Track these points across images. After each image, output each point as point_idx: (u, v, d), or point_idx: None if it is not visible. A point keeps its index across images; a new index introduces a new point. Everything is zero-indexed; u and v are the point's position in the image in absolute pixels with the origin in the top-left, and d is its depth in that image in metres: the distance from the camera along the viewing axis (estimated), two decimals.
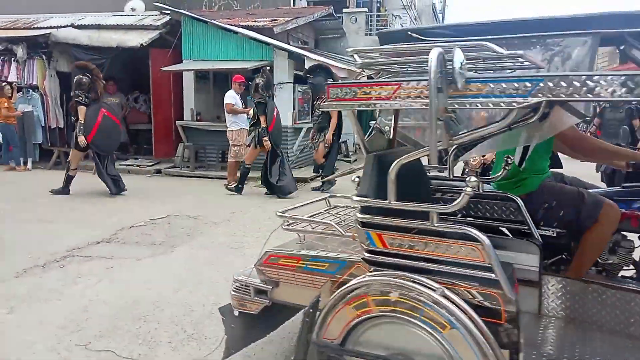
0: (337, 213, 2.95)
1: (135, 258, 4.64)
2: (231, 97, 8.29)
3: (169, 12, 10.43)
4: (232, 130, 8.31)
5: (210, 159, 10.07)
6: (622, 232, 2.61)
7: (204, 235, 5.43)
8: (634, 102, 8.50)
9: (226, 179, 8.50)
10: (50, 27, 10.46)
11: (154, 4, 10.89)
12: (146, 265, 4.48)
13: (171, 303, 3.63)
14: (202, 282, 4.06)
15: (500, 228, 2.58)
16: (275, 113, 7.72)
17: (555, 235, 2.57)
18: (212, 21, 10.12)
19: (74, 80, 7.40)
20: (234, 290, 2.73)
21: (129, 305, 3.59)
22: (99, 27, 10.46)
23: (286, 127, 9.68)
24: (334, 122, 8.08)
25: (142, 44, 9.53)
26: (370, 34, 17.26)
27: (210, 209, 6.75)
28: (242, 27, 10.73)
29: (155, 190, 8.14)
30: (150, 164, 10.14)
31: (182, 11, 10.13)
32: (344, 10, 17.15)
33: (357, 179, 2.29)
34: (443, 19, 32.12)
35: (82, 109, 7.21)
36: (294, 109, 10.14)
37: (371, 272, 2.11)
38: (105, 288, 3.93)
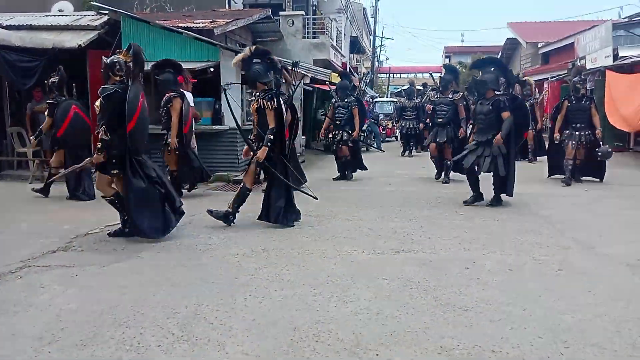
0: None
1: (99, 265, 4.43)
2: (192, 99, 8.14)
3: (107, 12, 10.01)
4: None
5: (157, 163, 9.73)
6: None
7: (167, 239, 5.26)
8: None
9: None
10: None
11: (91, 3, 10.41)
12: (113, 271, 4.29)
13: (151, 306, 3.50)
14: (177, 283, 3.95)
15: None
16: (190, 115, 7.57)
17: None
18: (155, 21, 9.82)
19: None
20: None
21: (106, 312, 3.43)
22: (30, 27, 9.84)
23: (235, 128, 9.61)
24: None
25: (80, 45, 9.08)
26: (307, 37, 17.40)
27: None
28: (182, 28, 10.50)
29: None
30: (93, 169, 9.65)
31: (122, 11, 9.76)
32: (281, 13, 17.19)
33: None
34: (375, 22, 32.83)
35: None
36: (242, 110, 10.03)
37: None
38: (74, 296, 3.73)
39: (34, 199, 7.48)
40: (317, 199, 6.12)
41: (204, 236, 5.35)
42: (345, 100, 9.50)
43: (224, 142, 9.60)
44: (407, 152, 14.48)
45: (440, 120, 9.09)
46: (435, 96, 9.71)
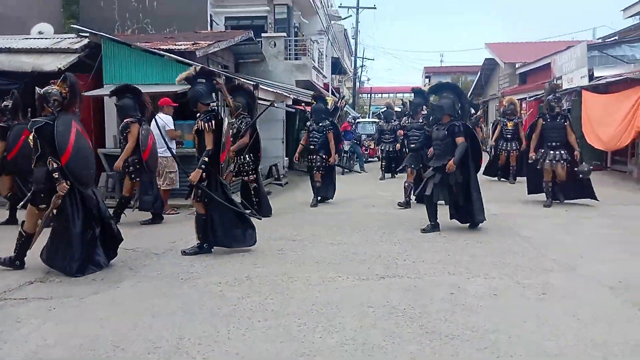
0: None
1: (78, 297, 4.32)
2: (171, 122, 8.11)
3: (87, 35, 9.96)
4: (167, 157, 8.10)
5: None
6: None
7: (147, 268, 5.17)
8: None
9: None
10: None
11: (72, 26, 10.36)
12: (92, 303, 4.19)
13: (131, 340, 3.41)
14: (158, 315, 3.86)
15: None
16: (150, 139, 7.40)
17: None
18: (136, 44, 9.80)
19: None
20: None
21: (85, 346, 3.33)
22: (9, 50, 9.73)
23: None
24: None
25: (60, 68, 9.00)
26: (289, 58, 17.54)
27: (147, 240, 6.46)
28: (164, 50, 10.50)
29: None
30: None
31: (103, 34, 9.72)
32: (263, 34, 17.32)
33: None
34: (356, 43, 33.23)
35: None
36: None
37: None
38: (52, 330, 3.62)
39: (7, 227, 7.27)
40: (260, 219, 6.53)
41: (185, 264, 5.27)
42: (320, 124, 9.14)
43: None
44: (389, 174, 13.85)
45: (412, 145, 8.83)
46: (407, 121, 9.66)
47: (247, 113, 8.03)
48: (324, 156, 9.09)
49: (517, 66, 24.54)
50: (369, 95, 47.64)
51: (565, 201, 8.77)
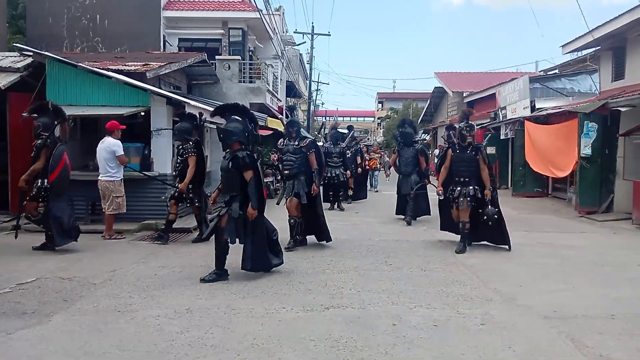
0: None
1: (5, 332, 4.07)
2: (120, 146, 7.93)
3: (30, 53, 9.64)
4: (114, 181, 7.90)
5: (79, 212, 9.25)
6: None
7: (83, 299, 4.96)
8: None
9: (101, 232, 8.09)
10: None
11: (14, 45, 10.00)
12: (20, 339, 3.95)
13: None
14: (90, 353, 3.69)
15: None
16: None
17: None
18: (82, 65, 9.55)
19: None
20: None
21: None
22: None
23: (166, 174, 9.40)
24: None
25: (0, 88, 8.64)
26: (244, 81, 17.52)
27: (85, 268, 6.21)
28: (113, 71, 10.29)
29: (16, 249, 7.22)
30: (7, 219, 9.05)
31: (47, 53, 9.43)
32: (217, 57, 17.26)
33: None
34: (311, 68, 33.61)
35: None
36: (173, 155, 9.82)
37: None
38: None
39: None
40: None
41: (124, 295, 5.08)
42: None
43: (152, 189, 9.29)
44: (335, 205, 12.52)
45: (287, 172, 7.60)
46: (283, 143, 8.06)
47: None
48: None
49: (464, 95, 25.44)
50: (324, 118, 48.14)
51: (479, 243, 7.77)
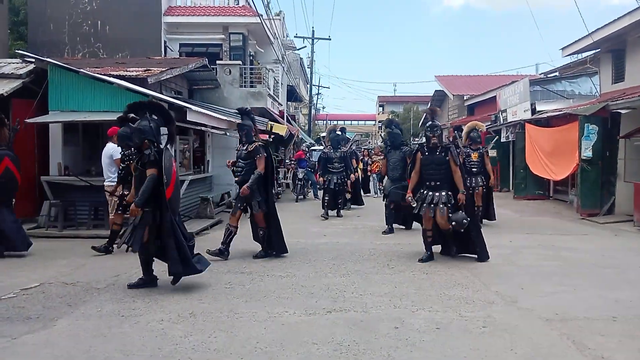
0: None
1: (10, 337, 4.11)
2: (117, 151, 7.93)
3: (33, 60, 9.70)
4: (113, 185, 7.92)
5: (82, 217, 9.32)
6: None
7: (87, 304, 4.99)
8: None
9: (104, 237, 8.09)
10: None
11: (16, 51, 10.06)
12: (25, 344, 3.98)
13: None
14: (94, 357, 3.71)
15: None
16: None
17: None
18: (83, 71, 9.61)
19: None
20: None
21: None
22: None
23: None
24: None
25: (2, 94, 8.70)
26: (244, 86, 17.57)
27: (89, 273, 6.24)
28: (114, 76, 10.34)
29: (18, 255, 7.28)
30: None
31: (49, 60, 9.49)
32: (218, 62, 17.31)
33: None
34: (312, 72, 33.71)
35: None
36: (175, 160, 9.87)
37: None
38: None
39: None
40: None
41: (128, 300, 5.10)
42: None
43: None
44: (336, 212, 11.88)
45: (237, 179, 7.32)
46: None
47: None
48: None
49: (465, 98, 25.49)
50: (324, 122, 48.22)
51: (460, 255, 7.26)
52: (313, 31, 31.44)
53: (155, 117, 5.72)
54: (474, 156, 9.89)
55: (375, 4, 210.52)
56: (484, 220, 9.99)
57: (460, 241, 7.18)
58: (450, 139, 11.76)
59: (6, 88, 8.97)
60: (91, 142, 10.58)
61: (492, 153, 16.15)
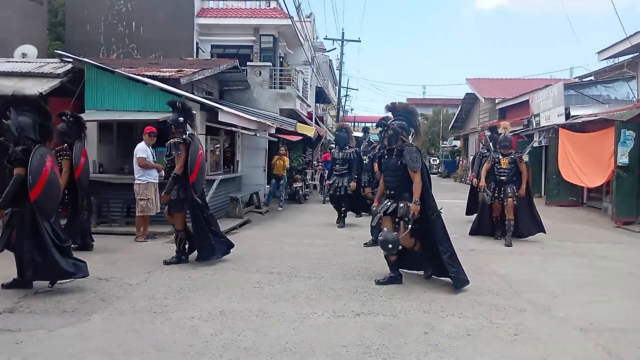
0: None
1: (47, 329, 4.23)
2: (142, 151, 8.08)
3: (70, 60, 9.97)
4: (139, 184, 8.06)
5: (115, 214, 9.52)
6: None
7: (121, 300, 5.09)
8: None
9: (134, 234, 8.26)
10: None
11: (55, 51, 10.36)
12: (61, 336, 4.10)
13: None
14: (128, 352, 3.79)
15: None
16: None
17: None
18: (119, 71, 9.82)
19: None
20: None
21: None
22: None
23: None
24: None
25: (41, 93, 8.96)
26: (274, 87, 17.69)
27: (122, 269, 6.37)
28: (147, 77, 10.54)
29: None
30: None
31: (86, 59, 9.74)
32: (248, 63, 17.47)
33: None
34: (341, 74, 33.69)
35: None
36: (206, 160, 10.00)
37: None
38: None
39: None
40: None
41: (159, 296, 5.20)
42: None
43: None
44: (341, 222, 10.50)
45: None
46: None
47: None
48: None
49: (496, 101, 25.11)
50: (352, 124, 48.12)
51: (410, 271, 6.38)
52: (343, 33, 31.49)
53: (30, 114, 5.25)
54: (504, 162, 8.81)
55: (406, 6, 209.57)
56: (529, 235, 8.95)
57: (432, 261, 6.05)
58: (482, 142, 11.26)
59: (45, 87, 9.24)
60: (125, 141, 10.80)
61: (525, 158, 15.89)
